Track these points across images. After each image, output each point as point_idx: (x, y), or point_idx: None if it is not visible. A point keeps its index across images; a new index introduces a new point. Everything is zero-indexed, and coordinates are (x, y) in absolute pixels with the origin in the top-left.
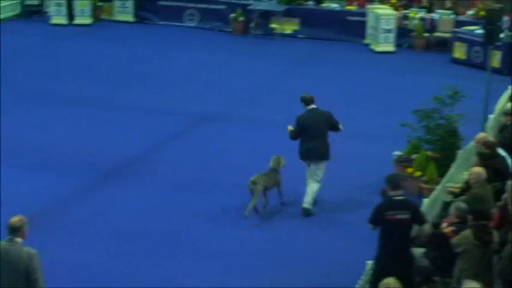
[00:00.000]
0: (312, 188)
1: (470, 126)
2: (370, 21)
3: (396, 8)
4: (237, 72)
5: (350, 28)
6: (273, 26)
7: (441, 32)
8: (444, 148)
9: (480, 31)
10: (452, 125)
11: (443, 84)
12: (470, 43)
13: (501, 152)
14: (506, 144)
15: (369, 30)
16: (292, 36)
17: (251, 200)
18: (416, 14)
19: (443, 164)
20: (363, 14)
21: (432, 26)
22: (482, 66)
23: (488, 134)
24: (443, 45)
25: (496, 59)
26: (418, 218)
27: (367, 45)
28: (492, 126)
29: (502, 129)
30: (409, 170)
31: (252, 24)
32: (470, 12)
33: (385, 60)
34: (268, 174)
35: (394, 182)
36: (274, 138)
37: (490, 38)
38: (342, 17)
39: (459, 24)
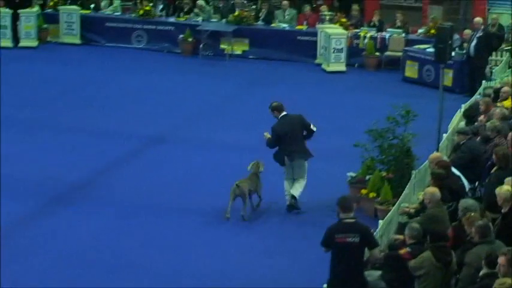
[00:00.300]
0: (300, 183)
1: (424, 145)
2: (320, 40)
3: (346, 28)
4: (186, 93)
5: (301, 48)
6: (223, 46)
7: (392, 51)
8: (398, 168)
9: (431, 49)
10: (405, 144)
11: (396, 103)
12: (421, 62)
13: (455, 171)
14: (460, 163)
15: (320, 50)
16: (243, 56)
17: (229, 204)
18: (367, 33)
19: (398, 184)
20: (313, 34)
21: (383, 45)
22: (434, 85)
23: (442, 154)
24: (395, 64)
25: (447, 78)
26: (368, 241)
27: (318, 65)
28: (446, 145)
29: (456, 148)
30: (364, 191)
31: (201, 45)
32: (421, 30)
33: (337, 79)
34: (250, 178)
35: (344, 204)
36: (224, 159)
37: (441, 57)
38: (292, 36)
39: (410, 42)
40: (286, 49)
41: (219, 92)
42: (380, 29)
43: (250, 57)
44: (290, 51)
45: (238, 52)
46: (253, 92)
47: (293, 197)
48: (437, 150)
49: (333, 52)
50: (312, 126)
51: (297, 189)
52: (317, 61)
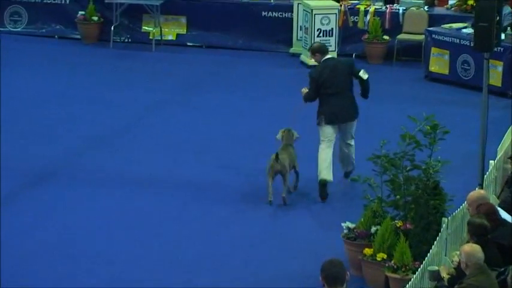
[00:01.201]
0: (348, 150)
1: (460, 179)
2: (298, 18)
3: None
4: (85, 105)
5: (267, 30)
6: (146, 28)
7: (409, 34)
8: (421, 215)
9: (468, 30)
10: (431, 178)
11: (416, 113)
12: (454, 49)
13: (507, 217)
14: None
15: (298, 33)
16: (177, 44)
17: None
18: (369, 6)
19: (421, 239)
20: (287, 8)
21: (395, 24)
22: (474, 85)
23: (487, 192)
24: (413, 54)
25: (495, 74)
26: None
27: (295, 55)
28: (493, 178)
29: (509, 181)
30: (368, 250)
31: (112, 27)
32: (452, 1)
33: None
34: (286, 151)
35: (331, 273)
36: (134, 199)
37: (484, 42)
38: (253, 12)
39: (436, 20)
40: (245, 32)
41: (137, 102)
42: (390, 0)
43: (189, 44)
44: (251, 35)
45: (171, 37)
46: (190, 101)
47: (345, 174)
48: (481, 186)
49: (318, 35)
50: (362, 73)
51: (348, 162)
52: (293, 50)
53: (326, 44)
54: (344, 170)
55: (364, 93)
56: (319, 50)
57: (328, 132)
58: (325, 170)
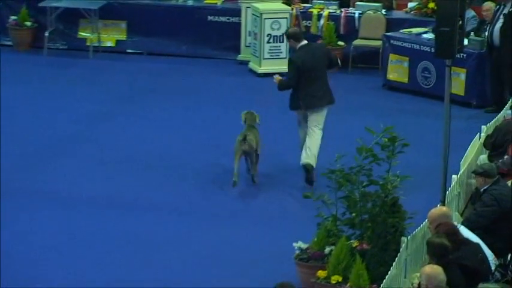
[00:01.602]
0: (316, 137)
1: (421, 195)
2: (246, 23)
3: (289, 1)
4: (16, 118)
5: (214, 36)
6: (83, 34)
7: (365, 39)
8: (378, 234)
9: (429, 35)
10: (390, 194)
11: (373, 125)
12: (414, 56)
13: (472, 237)
14: (481, 223)
15: (246, 39)
16: (117, 51)
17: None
18: (323, 10)
19: (379, 260)
20: (234, 12)
21: (350, 29)
22: (435, 94)
23: (449, 209)
24: (370, 61)
25: (458, 82)
26: None
27: (243, 63)
28: (456, 194)
29: (474, 198)
30: (322, 273)
31: (46, 33)
32: (412, 4)
33: (274, 88)
34: (252, 132)
35: None
36: (78, 220)
37: (446, 48)
38: (199, 17)
39: (395, 24)
40: (190, 38)
41: (74, 114)
42: (344, 3)
43: (129, 51)
44: (196, 42)
45: (110, 44)
46: (130, 113)
47: (307, 165)
48: (443, 202)
49: (268, 41)
50: (338, 61)
51: (307, 152)
52: (241, 57)
53: (277, 50)
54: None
55: (331, 68)
56: (293, 36)
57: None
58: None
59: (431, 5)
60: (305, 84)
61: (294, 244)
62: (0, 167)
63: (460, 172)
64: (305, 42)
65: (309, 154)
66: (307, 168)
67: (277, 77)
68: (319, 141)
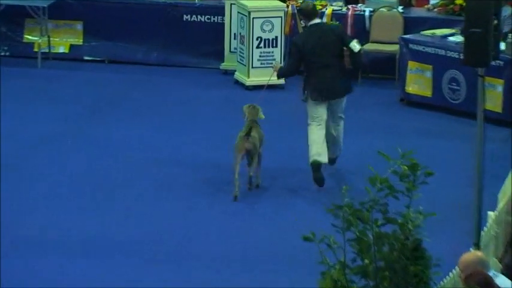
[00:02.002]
0: (336, 132)
1: (447, 235)
2: (231, 23)
3: None
4: None
5: (191, 39)
6: (30, 38)
7: (378, 43)
8: (397, 285)
9: (456, 39)
10: (411, 235)
11: (388, 149)
12: (437, 64)
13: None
14: None
15: (231, 43)
16: (71, 58)
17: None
18: (326, 7)
19: None
20: (217, 10)
21: (359, 31)
22: (465, 111)
23: (483, 254)
24: (384, 70)
25: (493, 96)
26: None
27: (227, 73)
28: (493, 235)
29: None
30: None
31: None
32: (434, 0)
33: (267, 104)
34: (256, 128)
35: None
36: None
37: (478, 54)
38: (173, 16)
39: (413, 24)
40: (161, 42)
41: (19, 134)
42: None
43: (87, 58)
44: (169, 47)
45: (62, 49)
46: (87, 134)
47: (330, 161)
48: (477, 245)
49: (258, 46)
50: (354, 43)
51: (335, 143)
52: (225, 65)
53: (269, 57)
54: (329, 155)
55: (355, 66)
56: (304, 12)
57: (317, 111)
58: (318, 151)
59: (459, 0)
60: (312, 72)
61: None
62: None
63: (498, 208)
64: (317, 21)
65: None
66: (330, 162)
67: (276, 64)
68: (340, 134)
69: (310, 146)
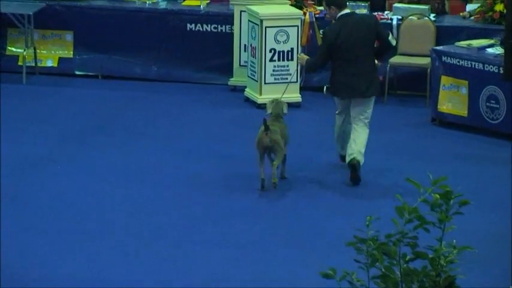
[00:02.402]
0: (361, 133)
1: (485, 272)
2: (240, 32)
3: (300, 3)
4: None
5: (195, 52)
6: (13, 50)
7: (407, 56)
8: None
9: (496, 50)
10: (443, 271)
11: (418, 175)
12: (474, 79)
13: None
14: None
15: (240, 55)
16: (60, 73)
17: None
18: None
19: None
20: (224, 18)
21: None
22: (504, 132)
23: None
24: (413, 86)
25: None
26: None
27: (237, 90)
28: None
29: None
30: None
31: None
32: (471, 6)
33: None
34: (278, 122)
35: None
36: None
37: None
38: (175, 26)
39: (447, 34)
40: (162, 55)
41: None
42: (378, 4)
43: (78, 73)
44: (170, 60)
45: (50, 63)
46: (76, 158)
47: (353, 161)
48: None
49: (271, 59)
50: (390, 38)
51: (354, 148)
52: (233, 81)
53: (284, 71)
54: (339, 151)
55: (380, 54)
56: (335, 1)
57: (340, 105)
58: (357, 149)
59: (499, 6)
60: (339, 66)
61: None
62: None
63: None
64: (347, 11)
65: (354, 150)
66: (353, 165)
67: (302, 56)
68: (365, 136)
69: (338, 141)
